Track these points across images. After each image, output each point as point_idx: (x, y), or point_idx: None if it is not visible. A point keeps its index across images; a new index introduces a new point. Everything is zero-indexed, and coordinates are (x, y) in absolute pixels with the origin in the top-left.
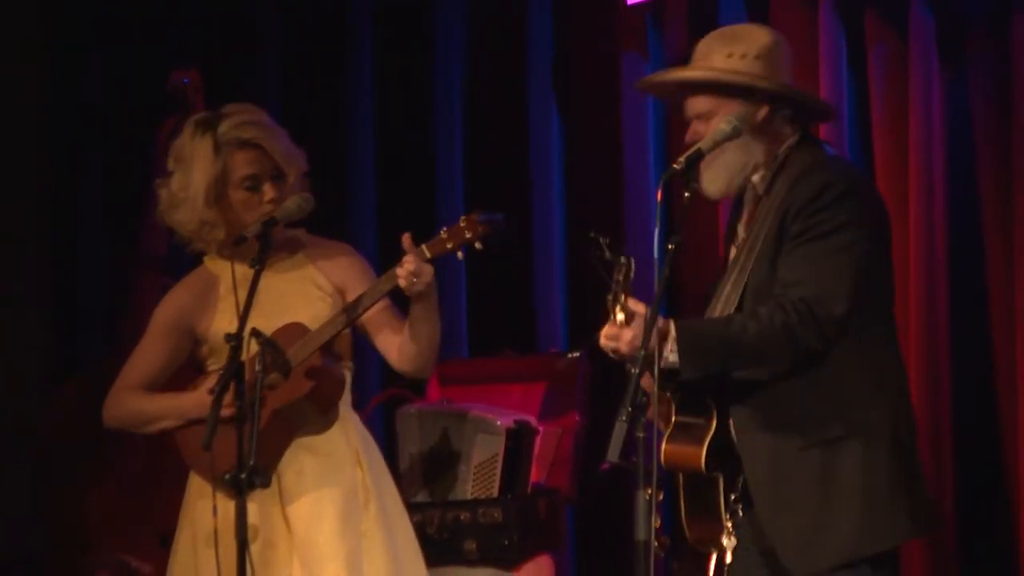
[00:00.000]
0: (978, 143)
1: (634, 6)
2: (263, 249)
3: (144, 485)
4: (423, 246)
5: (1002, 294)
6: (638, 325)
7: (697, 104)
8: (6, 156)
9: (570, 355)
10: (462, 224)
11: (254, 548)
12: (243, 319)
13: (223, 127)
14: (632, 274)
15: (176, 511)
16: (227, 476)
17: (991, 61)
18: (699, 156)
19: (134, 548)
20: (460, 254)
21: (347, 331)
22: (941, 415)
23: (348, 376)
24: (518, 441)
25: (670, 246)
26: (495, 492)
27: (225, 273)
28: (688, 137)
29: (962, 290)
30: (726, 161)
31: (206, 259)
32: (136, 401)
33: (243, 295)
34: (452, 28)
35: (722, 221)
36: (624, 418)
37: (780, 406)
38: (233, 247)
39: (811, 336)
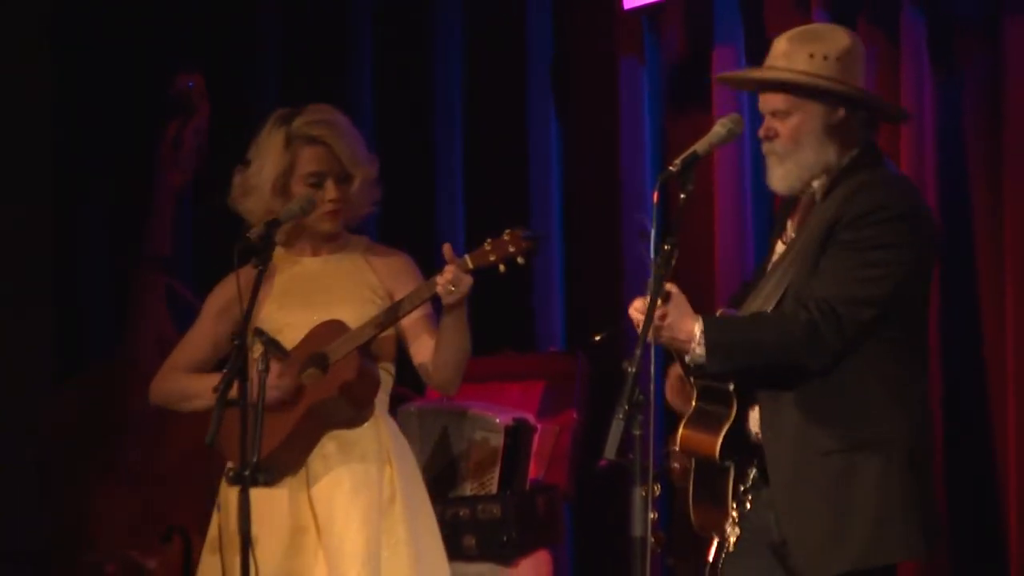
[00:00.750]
0: (969, 144)
1: (631, 10)
2: (265, 250)
3: (147, 481)
4: (466, 256)
5: (992, 293)
6: (674, 305)
7: (774, 101)
8: (13, 157)
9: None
10: (506, 238)
11: (284, 536)
12: (246, 318)
13: (297, 122)
14: (674, 260)
15: (179, 506)
16: (231, 473)
17: (982, 63)
18: (695, 158)
19: (138, 543)
20: (502, 267)
21: (391, 334)
22: (933, 417)
23: (389, 379)
24: (517, 438)
25: (666, 247)
26: (494, 489)
27: (283, 263)
28: (762, 132)
29: (953, 289)
30: (801, 160)
31: None
32: (178, 380)
33: (289, 284)
34: (452, 30)
35: (717, 224)
36: (621, 416)
37: (807, 409)
38: (242, 248)
39: (832, 334)
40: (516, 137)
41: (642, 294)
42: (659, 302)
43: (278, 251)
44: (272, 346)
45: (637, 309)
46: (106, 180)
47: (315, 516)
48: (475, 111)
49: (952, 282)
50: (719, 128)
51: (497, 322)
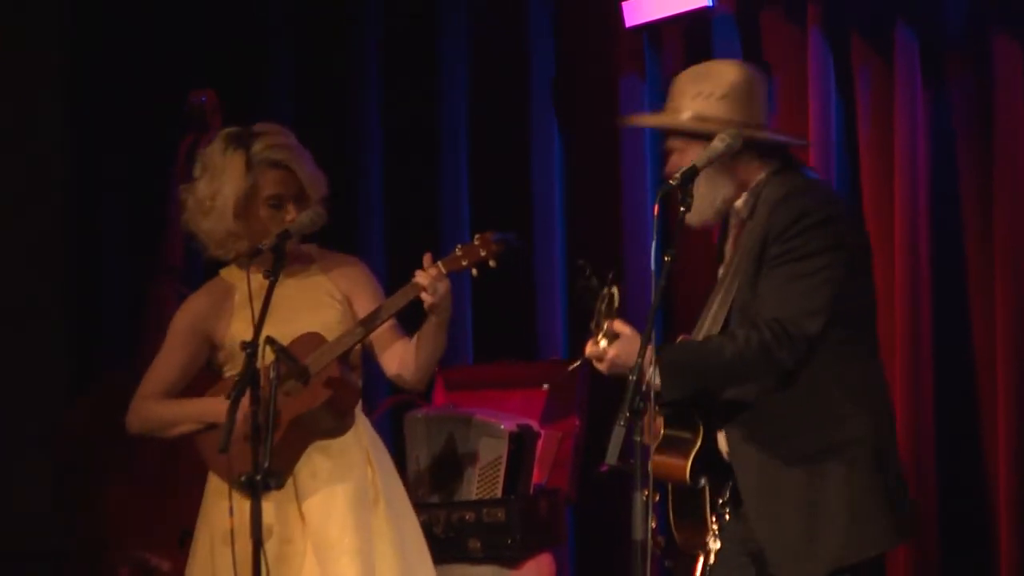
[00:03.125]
0: (960, 159)
1: (632, 28)
2: (277, 261)
3: (162, 484)
4: (439, 262)
5: (983, 306)
6: (621, 344)
7: (670, 143)
8: (34, 171)
9: (571, 367)
10: (476, 243)
11: (271, 545)
12: (258, 328)
13: (257, 146)
14: (616, 303)
15: (193, 510)
16: (243, 478)
17: (972, 81)
18: (694, 172)
19: (153, 546)
20: (474, 271)
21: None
22: (923, 424)
23: (359, 382)
24: (520, 444)
25: (666, 259)
26: (498, 493)
27: (241, 282)
28: (667, 169)
29: (945, 303)
30: (698, 194)
31: (222, 270)
32: (156, 408)
33: (259, 304)
34: (457, 47)
35: (716, 236)
36: (622, 422)
37: (767, 422)
38: (249, 259)
39: (784, 352)
40: (520, 152)
41: (639, 309)
42: (605, 341)
43: (230, 270)
44: (284, 355)
45: (590, 355)
46: (122, 193)
47: (305, 527)
48: (480, 127)
49: (943, 293)
50: (717, 143)
51: (501, 331)
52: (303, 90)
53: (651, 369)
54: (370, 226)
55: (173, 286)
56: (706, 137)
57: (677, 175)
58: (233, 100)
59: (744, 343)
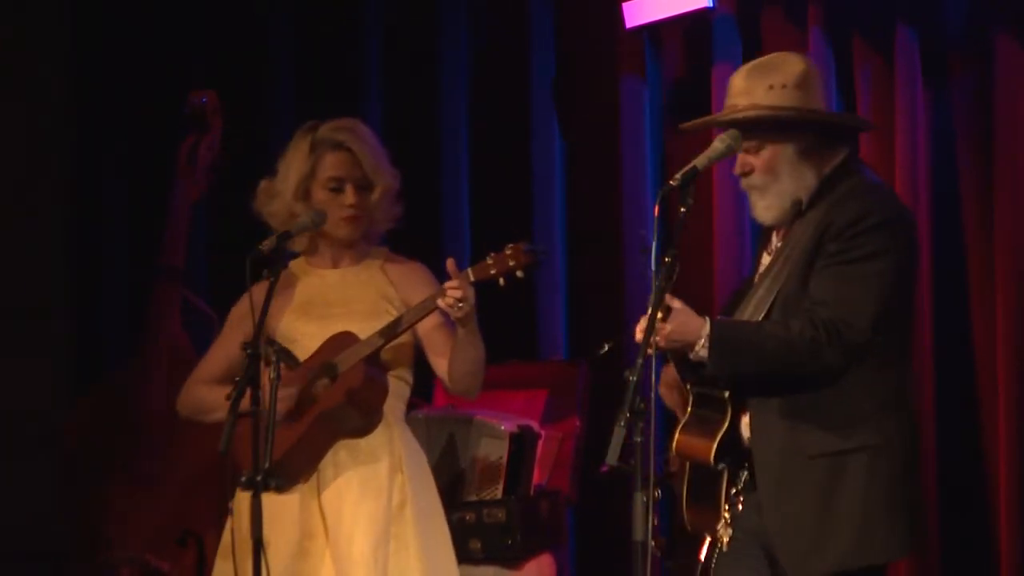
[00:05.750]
0: (960, 159)
1: (633, 29)
2: (277, 262)
3: (162, 484)
4: (468, 270)
5: (983, 306)
6: (675, 318)
7: (747, 143)
8: (35, 172)
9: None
10: (508, 252)
11: (293, 539)
12: (258, 328)
13: (322, 130)
14: (675, 275)
15: (193, 510)
16: (243, 478)
17: (973, 81)
18: (694, 173)
19: (153, 547)
20: (502, 281)
21: (407, 342)
22: (924, 423)
23: (405, 387)
24: (521, 445)
25: (667, 259)
26: (499, 494)
27: (305, 275)
28: (737, 169)
29: (945, 302)
30: (781, 190)
31: (291, 262)
32: (200, 392)
33: (308, 295)
34: (458, 49)
35: (717, 236)
36: (622, 423)
37: (796, 414)
38: (254, 260)
39: (835, 355)
40: (520, 153)
41: (644, 308)
42: (660, 316)
43: (299, 261)
44: (284, 356)
45: (642, 328)
46: (124, 194)
47: (324, 521)
48: (480, 128)
49: (943, 291)
50: (718, 144)
51: (502, 332)
52: (303, 90)
53: (700, 342)
54: None
55: (175, 287)
56: (789, 127)
57: (678, 176)
58: (233, 100)
59: (798, 336)
